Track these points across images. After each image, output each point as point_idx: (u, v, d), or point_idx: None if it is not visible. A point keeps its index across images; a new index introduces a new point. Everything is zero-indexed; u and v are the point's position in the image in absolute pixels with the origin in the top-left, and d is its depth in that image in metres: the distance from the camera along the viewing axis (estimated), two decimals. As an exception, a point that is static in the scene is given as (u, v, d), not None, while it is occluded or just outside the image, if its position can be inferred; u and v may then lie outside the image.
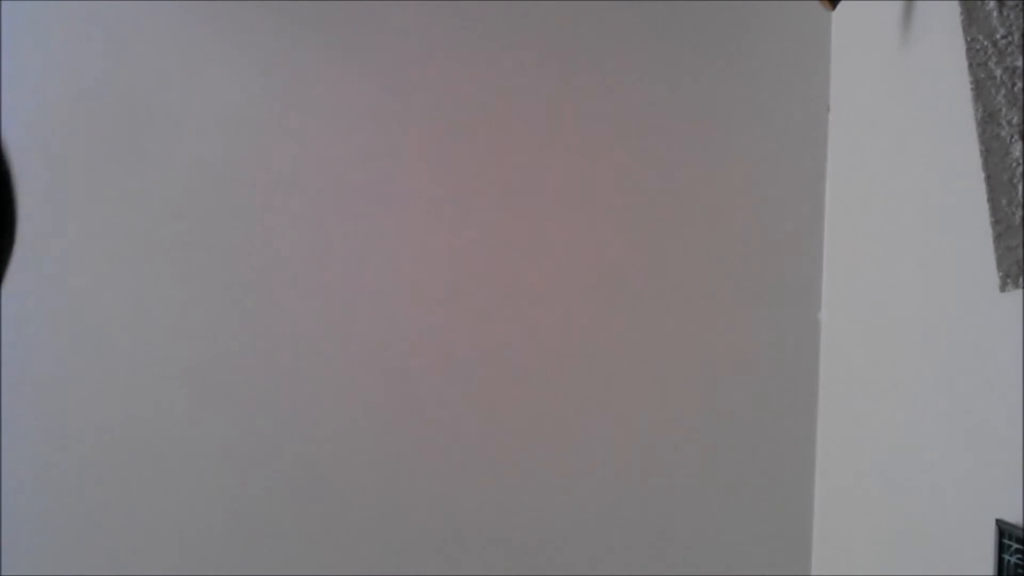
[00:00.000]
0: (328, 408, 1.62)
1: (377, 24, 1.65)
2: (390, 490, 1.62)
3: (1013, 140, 0.99)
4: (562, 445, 1.63)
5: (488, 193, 1.65)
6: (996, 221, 1.01)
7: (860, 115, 1.52)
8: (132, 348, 1.61)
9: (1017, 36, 0.99)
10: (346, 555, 1.61)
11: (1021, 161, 0.98)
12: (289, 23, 1.64)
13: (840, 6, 1.51)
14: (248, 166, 1.63)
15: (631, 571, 1.63)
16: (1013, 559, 1.00)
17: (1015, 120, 0.99)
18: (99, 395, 1.60)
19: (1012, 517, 1.01)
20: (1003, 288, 1.02)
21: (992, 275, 1.04)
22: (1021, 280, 0.99)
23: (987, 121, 1.02)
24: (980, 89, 1.02)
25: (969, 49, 1.03)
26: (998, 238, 1.01)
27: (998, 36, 1.01)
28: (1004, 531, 1.01)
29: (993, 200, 1.01)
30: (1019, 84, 0.99)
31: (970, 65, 1.03)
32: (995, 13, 1.01)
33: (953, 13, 1.11)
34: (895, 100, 1.36)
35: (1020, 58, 0.99)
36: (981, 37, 1.02)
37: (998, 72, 1.01)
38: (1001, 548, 1.02)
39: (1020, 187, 0.98)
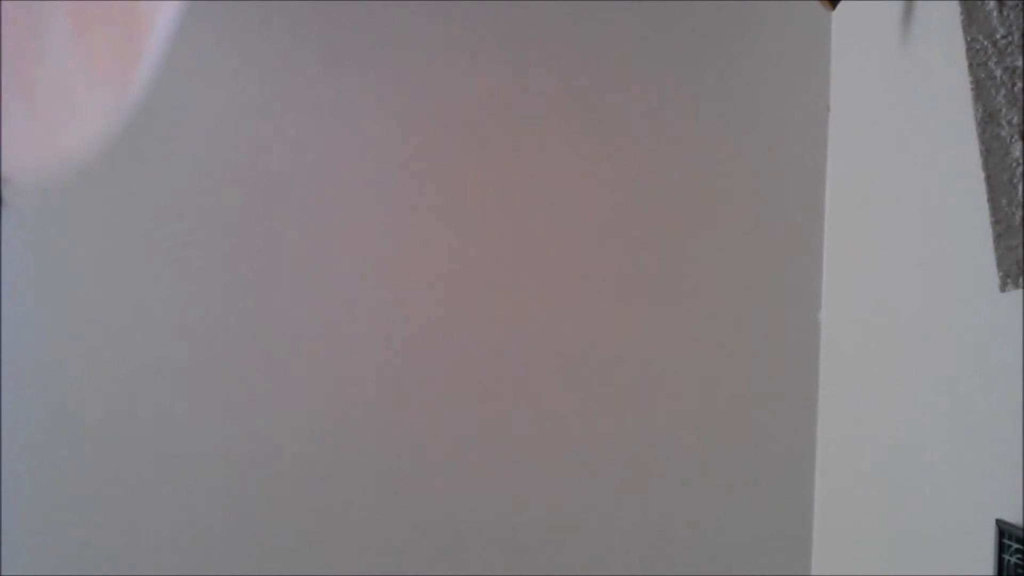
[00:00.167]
0: (328, 408, 1.62)
1: (377, 24, 1.65)
2: (390, 490, 1.62)
3: (1013, 140, 0.99)
4: (561, 445, 1.63)
5: (487, 193, 1.65)
6: (996, 221, 1.01)
7: (860, 115, 1.52)
8: (131, 347, 1.61)
9: (1017, 36, 0.99)
10: (345, 555, 1.61)
11: (1021, 161, 0.98)
12: (289, 23, 1.64)
13: (840, 6, 1.51)
14: (248, 166, 1.63)
15: (631, 571, 1.62)
16: (1013, 559, 1.00)
17: (1015, 120, 0.99)
18: (99, 394, 1.60)
19: (1012, 517, 1.01)
20: (1003, 288, 1.02)
21: (992, 275, 1.04)
22: (1021, 280, 0.99)
23: (987, 121, 1.02)
24: (980, 89, 1.02)
25: (969, 49, 1.03)
26: (998, 238, 1.01)
27: (998, 36, 1.01)
28: (1004, 531, 1.01)
29: (993, 200, 1.01)
30: (1019, 84, 0.99)
31: (970, 65, 1.03)
32: (995, 13, 1.01)
33: (953, 13, 1.11)
34: (895, 100, 1.36)
35: (1020, 58, 0.99)
36: (981, 37, 1.02)
37: (998, 72, 1.01)
38: (1001, 548, 1.02)
39: (1020, 187, 0.98)
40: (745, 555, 1.63)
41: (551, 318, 1.64)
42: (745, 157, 1.65)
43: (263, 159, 1.63)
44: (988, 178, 1.02)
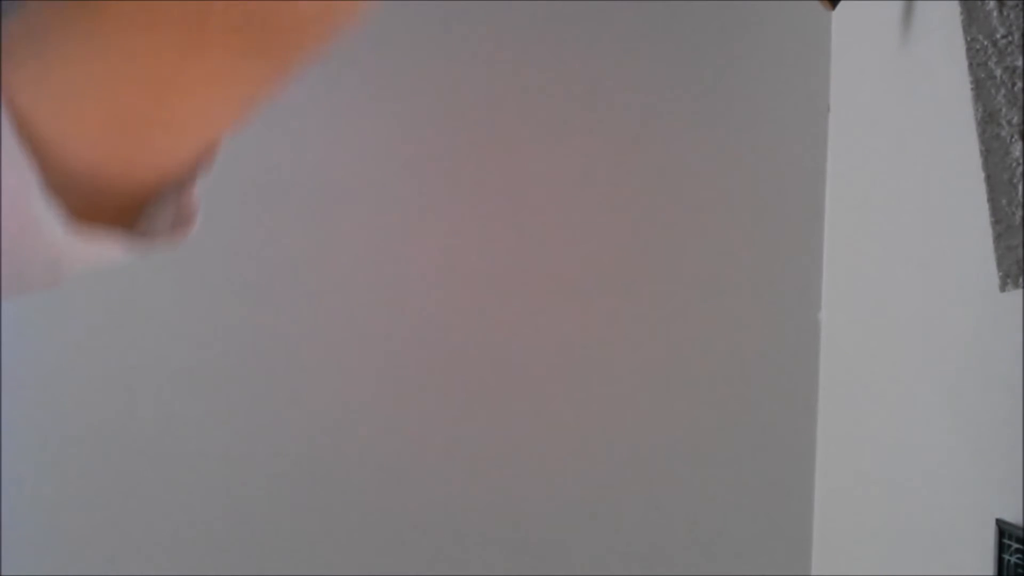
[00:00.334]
0: (327, 407, 1.62)
1: (376, 24, 1.65)
2: (390, 490, 1.62)
3: (1013, 140, 0.99)
4: (561, 444, 1.63)
5: (487, 192, 1.65)
6: (996, 221, 1.01)
7: (860, 115, 1.52)
8: (131, 347, 1.61)
9: (1017, 36, 0.99)
10: (346, 555, 1.61)
11: (1021, 161, 0.98)
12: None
13: (840, 6, 1.51)
14: (248, 166, 1.63)
15: (631, 571, 1.62)
16: (1013, 559, 1.00)
17: (1015, 120, 0.99)
18: (98, 394, 1.60)
19: (1012, 517, 1.01)
20: (1003, 288, 1.02)
21: (992, 275, 1.04)
22: (1021, 280, 0.99)
23: (987, 121, 1.02)
24: (980, 89, 1.02)
25: (969, 49, 1.03)
26: (998, 238, 1.01)
27: (998, 36, 1.01)
28: (1004, 531, 1.01)
29: (993, 200, 1.01)
30: (1019, 84, 0.99)
31: (970, 65, 1.03)
32: (995, 13, 1.01)
33: (953, 13, 1.11)
34: (895, 100, 1.36)
35: (1020, 58, 0.99)
36: (981, 37, 1.02)
37: (998, 72, 1.01)
38: (1001, 548, 1.02)
39: (1020, 187, 0.98)
40: (745, 555, 1.63)
41: (551, 318, 1.64)
42: (745, 157, 1.65)
43: (263, 159, 1.63)
44: (988, 178, 1.02)
